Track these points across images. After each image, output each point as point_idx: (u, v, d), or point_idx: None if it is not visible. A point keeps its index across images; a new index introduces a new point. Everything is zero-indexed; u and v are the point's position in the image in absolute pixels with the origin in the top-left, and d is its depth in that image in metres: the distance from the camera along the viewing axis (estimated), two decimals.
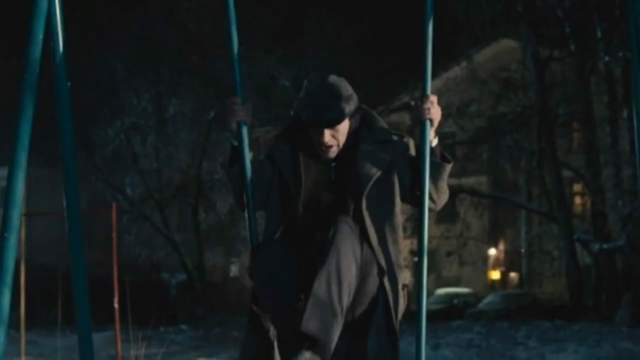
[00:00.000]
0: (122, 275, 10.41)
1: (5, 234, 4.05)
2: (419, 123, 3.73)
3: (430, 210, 3.79)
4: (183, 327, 23.83)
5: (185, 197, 33.89)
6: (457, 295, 37.50)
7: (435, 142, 3.77)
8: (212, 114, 32.62)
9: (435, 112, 3.72)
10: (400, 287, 3.77)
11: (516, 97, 28.45)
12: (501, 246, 42.10)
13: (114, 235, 12.12)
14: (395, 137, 3.79)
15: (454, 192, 30.50)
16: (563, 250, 27.63)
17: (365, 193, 3.63)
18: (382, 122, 3.89)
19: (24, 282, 10.98)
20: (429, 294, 39.33)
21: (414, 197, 3.76)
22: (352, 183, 3.66)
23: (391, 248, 3.71)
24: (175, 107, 34.48)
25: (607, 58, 26.01)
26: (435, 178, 3.76)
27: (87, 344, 4.27)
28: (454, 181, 32.55)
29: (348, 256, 3.40)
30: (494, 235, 40.73)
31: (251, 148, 3.89)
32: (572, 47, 26.44)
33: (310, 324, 3.32)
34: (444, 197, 3.89)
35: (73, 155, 4.36)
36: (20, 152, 4.18)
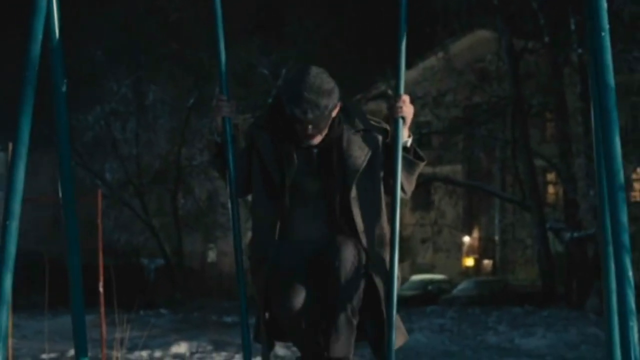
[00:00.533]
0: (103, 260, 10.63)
1: (7, 222, 4.37)
2: (392, 121, 3.87)
3: (400, 198, 3.95)
4: (163, 311, 24.03)
5: (164, 183, 34.16)
6: (431, 281, 37.88)
7: (409, 141, 3.91)
8: (191, 101, 32.84)
9: (407, 110, 3.85)
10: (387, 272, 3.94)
11: (491, 88, 28.83)
12: (475, 234, 42.49)
13: (99, 221, 12.44)
14: (375, 125, 3.94)
15: (428, 180, 30.94)
16: (535, 238, 28.09)
17: (354, 182, 3.80)
18: (361, 111, 4.10)
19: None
20: (404, 280, 39.78)
21: (387, 185, 3.92)
22: (337, 172, 3.81)
23: (377, 234, 3.87)
24: (155, 93, 34.57)
25: (580, 50, 26.39)
26: (408, 172, 3.92)
27: (80, 326, 4.61)
28: (429, 169, 32.96)
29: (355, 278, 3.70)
30: (469, 223, 41.13)
31: (237, 142, 4.01)
32: (546, 39, 26.80)
33: (336, 348, 3.70)
34: (413, 186, 4.05)
35: (68, 150, 4.63)
36: (21, 146, 4.45)
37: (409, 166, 3.91)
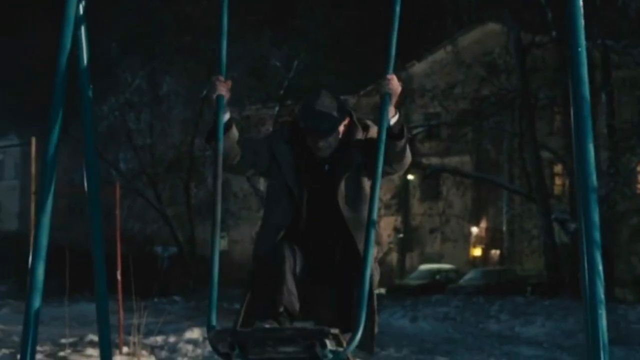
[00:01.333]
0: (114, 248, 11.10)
1: (40, 216, 4.94)
2: (381, 97, 4.29)
3: (389, 174, 4.44)
4: (176, 298, 24.51)
5: (177, 172, 34.58)
6: (439, 271, 38.24)
7: (395, 118, 4.30)
8: (205, 92, 33.30)
9: (393, 85, 4.26)
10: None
11: (499, 81, 29.20)
12: (483, 224, 42.87)
13: (117, 212, 13.04)
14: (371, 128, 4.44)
15: (437, 171, 31.41)
16: (541, 229, 28.50)
17: (339, 188, 4.34)
18: (367, 123, 4.52)
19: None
20: (413, 269, 40.31)
21: (370, 169, 4.31)
22: (335, 176, 4.36)
23: (363, 219, 4.29)
24: (168, 85, 35.03)
25: (586, 45, 26.75)
26: (393, 150, 4.30)
27: (104, 313, 5.18)
28: (438, 161, 33.44)
29: None
30: (477, 213, 41.51)
31: (236, 123, 4.46)
32: (554, 34, 27.18)
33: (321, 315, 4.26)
34: (405, 163, 4.48)
35: (94, 154, 5.22)
36: (51, 147, 5.07)
37: (394, 145, 4.30)
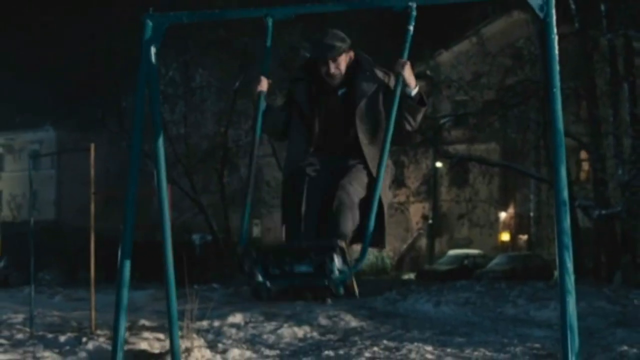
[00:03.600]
0: (155, 237, 11.92)
1: (125, 225, 5.69)
2: (395, 76, 5.14)
3: (407, 130, 5.25)
4: (215, 285, 25.29)
5: (211, 162, 35.31)
6: (467, 256, 38.80)
7: (415, 90, 5.21)
8: (237, 84, 34.09)
9: (406, 69, 5.11)
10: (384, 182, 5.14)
11: (523, 72, 29.67)
12: (511, 210, 43.47)
13: (169, 210, 13.90)
14: (381, 71, 5.26)
15: (463, 159, 32.07)
16: None
17: (359, 106, 5.13)
18: (370, 61, 5.37)
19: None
20: (443, 254, 41.00)
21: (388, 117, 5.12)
22: (350, 100, 5.18)
23: (377, 148, 5.10)
24: (202, 77, 35.81)
25: (609, 35, 27.17)
26: (412, 113, 5.19)
27: (172, 299, 6.12)
28: (465, 148, 34.10)
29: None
30: (504, 199, 42.09)
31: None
32: (576, 25, 27.65)
33: (342, 224, 4.80)
34: (418, 123, 5.33)
35: (163, 162, 6.16)
36: (134, 158, 6.18)
37: (413, 110, 5.20)
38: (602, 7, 27.49)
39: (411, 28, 5.25)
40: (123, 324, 5.88)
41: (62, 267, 31.35)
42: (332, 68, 5.15)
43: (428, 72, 36.19)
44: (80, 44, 35.61)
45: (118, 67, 33.62)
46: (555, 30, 5.74)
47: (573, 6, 27.77)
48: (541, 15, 5.66)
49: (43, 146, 63.73)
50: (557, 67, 5.74)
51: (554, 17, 5.76)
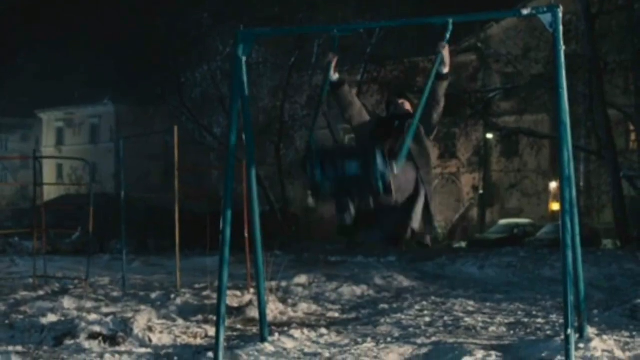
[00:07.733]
0: (213, 208, 12.85)
1: (223, 227, 7.30)
2: (436, 54, 6.92)
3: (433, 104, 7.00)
4: (277, 252, 26.70)
5: (268, 135, 36.29)
6: (517, 225, 39.91)
7: (447, 69, 6.97)
8: (292, 59, 35.13)
9: (445, 50, 6.93)
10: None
11: (569, 48, 30.40)
12: None
13: (245, 186, 15.07)
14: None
15: (512, 132, 33.00)
16: (610, 185, 29.81)
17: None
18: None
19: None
20: (494, 224, 41.97)
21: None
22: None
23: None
24: (258, 52, 36.95)
25: None
26: (439, 88, 6.98)
27: (259, 261, 7.50)
28: (514, 119, 34.89)
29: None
30: (554, 169, 42.78)
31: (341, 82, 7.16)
32: (620, 1, 28.37)
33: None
34: (442, 106, 7.12)
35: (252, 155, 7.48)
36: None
37: (442, 82, 7.03)
38: None
39: (448, 35, 6.70)
40: (226, 275, 7.32)
41: (132, 236, 32.88)
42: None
43: (479, 45, 37.11)
44: (136, 20, 36.94)
45: (177, 44, 34.92)
46: (562, 42, 6.95)
47: None
48: (550, 30, 6.84)
49: (102, 120, 65.51)
50: (563, 73, 7.00)
51: (561, 32, 6.87)
